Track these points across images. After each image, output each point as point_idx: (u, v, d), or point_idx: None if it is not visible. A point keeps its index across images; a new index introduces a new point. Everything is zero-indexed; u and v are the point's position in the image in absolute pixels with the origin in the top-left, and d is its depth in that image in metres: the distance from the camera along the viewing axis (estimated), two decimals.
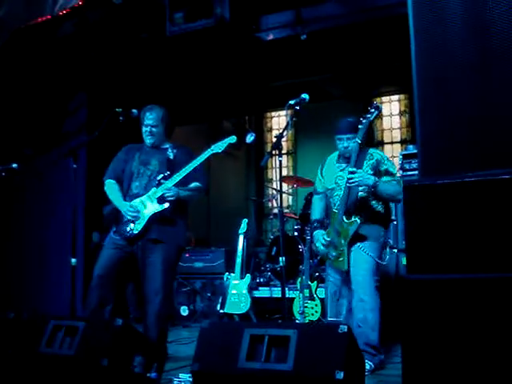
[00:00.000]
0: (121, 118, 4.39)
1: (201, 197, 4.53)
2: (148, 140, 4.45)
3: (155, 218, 4.23)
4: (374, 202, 4.24)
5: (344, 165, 4.32)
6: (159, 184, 4.22)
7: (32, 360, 3.30)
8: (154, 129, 4.43)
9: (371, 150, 4.29)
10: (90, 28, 6.45)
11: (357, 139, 4.12)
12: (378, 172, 4.20)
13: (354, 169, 4.07)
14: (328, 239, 4.25)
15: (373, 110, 4.17)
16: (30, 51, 6.79)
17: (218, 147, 4.25)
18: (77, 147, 4.42)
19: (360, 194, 4.18)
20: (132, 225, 4.24)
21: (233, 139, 4.25)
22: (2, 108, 7.21)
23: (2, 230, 7.55)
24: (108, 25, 6.40)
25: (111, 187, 4.46)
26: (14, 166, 5.13)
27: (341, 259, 4.18)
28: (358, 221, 4.11)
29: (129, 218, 4.23)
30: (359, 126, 4.14)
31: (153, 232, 4.24)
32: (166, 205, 4.19)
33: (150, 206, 4.23)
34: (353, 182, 4.06)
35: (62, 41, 6.66)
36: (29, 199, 6.51)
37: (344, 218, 4.15)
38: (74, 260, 4.21)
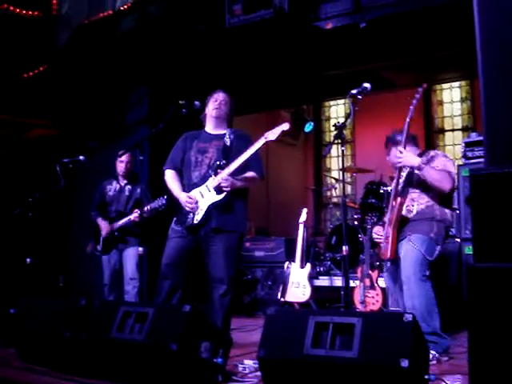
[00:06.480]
0: (183, 111, 4.47)
1: (257, 183, 4.57)
2: (215, 113, 4.51)
3: (214, 206, 4.29)
4: (427, 200, 4.24)
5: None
6: (216, 174, 4.28)
7: (103, 345, 3.43)
8: (223, 102, 4.53)
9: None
10: (151, 22, 6.58)
11: None
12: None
13: (402, 149, 4.12)
14: None
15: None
16: (93, 46, 6.98)
17: (272, 135, 4.28)
18: (143, 139, 4.52)
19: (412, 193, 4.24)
20: (192, 215, 4.31)
21: (286, 126, 4.27)
22: (69, 102, 7.45)
23: (67, 220, 7.84)
24: (168, 18, 6.51)
25: (170, 177, 4.54)
26: (81, 158, 5.32)
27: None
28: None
29: (187, 210, 4.32)
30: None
31: (213, 220, 4.30)
32: (223, 195, 4.26)
33: (207, 196, 4.28)
34: (400, 163, 4.15)
35: (124, 35, 6.82)
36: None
37: None
38: (141, 248, 4.33)
